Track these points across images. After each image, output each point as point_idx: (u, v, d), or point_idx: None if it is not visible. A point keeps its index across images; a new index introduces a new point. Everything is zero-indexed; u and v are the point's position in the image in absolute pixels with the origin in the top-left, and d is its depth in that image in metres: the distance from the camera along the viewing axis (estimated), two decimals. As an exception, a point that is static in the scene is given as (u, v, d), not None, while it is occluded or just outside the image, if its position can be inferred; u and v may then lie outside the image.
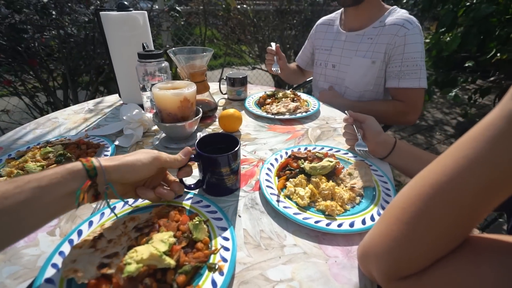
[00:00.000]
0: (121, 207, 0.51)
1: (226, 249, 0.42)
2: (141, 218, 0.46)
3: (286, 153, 0.68)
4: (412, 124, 1.04)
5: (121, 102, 1.04)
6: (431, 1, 1.74)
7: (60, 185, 0.35)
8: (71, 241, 0.43)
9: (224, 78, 1.09)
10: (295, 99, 0.99)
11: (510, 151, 0.24)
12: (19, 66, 1.78)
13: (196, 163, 0.58)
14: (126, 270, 0.34)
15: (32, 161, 0.63)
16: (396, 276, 0.32)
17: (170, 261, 0.36)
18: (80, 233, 0.45)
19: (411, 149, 0.68)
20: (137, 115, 0.77)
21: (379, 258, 0.33)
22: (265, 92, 1.05)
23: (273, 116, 0.89)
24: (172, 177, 0.52)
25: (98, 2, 1.95)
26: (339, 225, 0.48)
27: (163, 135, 0.78)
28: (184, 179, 0.53)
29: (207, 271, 0.38)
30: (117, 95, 1.09)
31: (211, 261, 0.40)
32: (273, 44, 1.14)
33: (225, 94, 1.10)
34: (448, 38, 1.75)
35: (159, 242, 0.38)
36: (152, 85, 0.73)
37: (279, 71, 1.14)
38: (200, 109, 0.75)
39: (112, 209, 0.44)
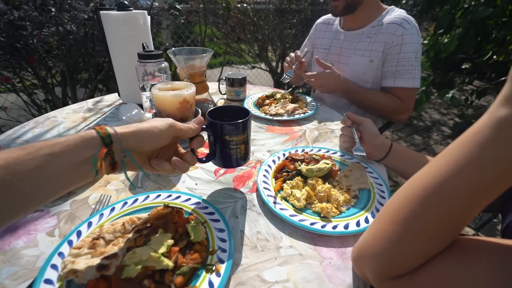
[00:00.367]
0: (120, 208, 0.51)
1: (223, 250, 0.42)
2: (140, 219, 0.46)
3: (284, 154, 0.69)
4: (403, 122, 1.08)
5: (121, 101, 1.05)
6: (429, 2, 1.75)
7: (74, 153, 0.34)
8: (70, 242, 0.44)
9: (223, 78, 1.09)
10: (294, 100, 0.99)
11: (496, 156, 0.26)
12: (17, 63, 1.78)
13: (206, 138, 0.56)
14: (125, 272, 0.34)
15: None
16: (389, 276, 0.33)
17: (168, 263, 0.37)
18: (79, 234, 0.46)
19: (407, 152, 0.69)
20: (137, 115, 0.78)
21: (373, 259, 0.34)
22: (264, 93, 1.06)
23: (271, 117, 0.89)
24: (182, 150, 0.50)
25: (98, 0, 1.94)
26: (334, 227, 0.49)
27: (162, 135, 0.78)
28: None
29: (204, 272, 0.39)
30: (116, 94, 1.09)
31: (208, 262, 0.40)
32: (300, 52, 1.07)
33: (224, 94, 1.10)
34: (446, 40, 1.76)
35: (158, 244, 0.39)
36: (152, 85, 0.73)
37: (288, 80, 1.07)
38: (199, 110, 0.76)
39: (129, 180, 0.42)
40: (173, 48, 0.81)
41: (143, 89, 0.84)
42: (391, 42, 0.95)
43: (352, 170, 0.64)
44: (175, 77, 1.96)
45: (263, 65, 3.12)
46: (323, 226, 0.49)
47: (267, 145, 0.76)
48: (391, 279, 0.33)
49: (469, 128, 0.29)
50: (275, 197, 0.55)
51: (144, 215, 0.48)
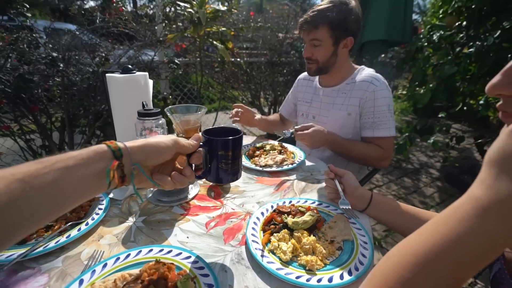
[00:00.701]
0: (113, 263, 0.53)
1: (211, 308, 0.44)
2: (131, 276, 0.48)
3: (272, 206, 0.73)
4: (385, 167, 1.16)
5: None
6: (403, 60, 1.97)
7: (87, 166, 0.36)
8: (61, 302, 0.45)
9: None
10: (282, 151, 1.06)
11: (474, 233, 0.28)
12: (20, 112, 1.86)
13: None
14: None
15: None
16: None
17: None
18: (71, 292, 0.47)
19: (387, 201, 0.74)
20: (133, 168, 0.82)
21: None
22: (254, 145, 1.13)
23: (261, 169, 0.95)
24: (179, 166, 0.52)
25: (103, 55, 2.12)
26: (319, 280, 0.51)
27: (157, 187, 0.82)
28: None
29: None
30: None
31: (196, 321, 0.42)
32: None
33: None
34: (422, 91, 1.94)
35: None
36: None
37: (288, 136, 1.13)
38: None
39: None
40: (169, 106, 0.90)
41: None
42: (365, 97, 1.07)
43: (337, 221, 0.68)
44: (170, 130, 2.05)
45: (256, 111, 3.30)
46: (308, 280, 0.51)
47: (256, 197, 0.81)
48: None
49: (455, 201, 0.32)
50: (262, 250, 0.58)
51: (136, 271, 0.50)
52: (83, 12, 2.06)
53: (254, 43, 3.03)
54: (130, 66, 0.98)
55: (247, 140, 1.28)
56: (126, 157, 0.40)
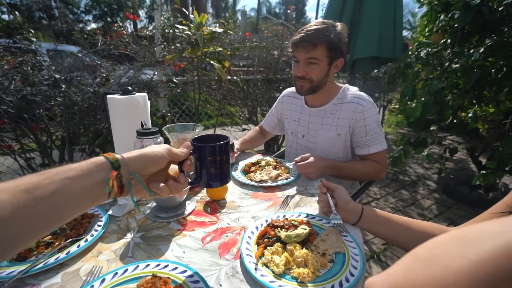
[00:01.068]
0: (111, 278, 0.55)
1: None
2: (128, 291, 0.50)
3: (266, 221, 0.75)
4: (382, 179, 1.19)
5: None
6: (393, 76, 2.04)
7: (87, 176, 0.38)
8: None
9: None
10: (277, 166, 1.10)
11: None
12: (21, 131, 1.89)
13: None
14: None
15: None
16: None
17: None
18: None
19: (379, 214, 0.76)
20: (132, 185, 0.85)
21: None
22: (250, 161, 1.16)
23: (256, 184, 0.98)
24: (171, 174, 0.55)
25: (104, 75, 2.19)
26: (310, 293, 0.52)
27: (154, 204, 0.84)
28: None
29: None
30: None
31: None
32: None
33: None
34: (413, 105, 2.00)
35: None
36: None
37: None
38: (189, 179, 0.84)
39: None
40: (167, 125, 0.94)
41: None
42: (355, 118, 1.10)
43: (329, 234, 0.70)
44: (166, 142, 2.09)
45: (252, 127, 3.35)
46: (300, 292, 0.52)
47: (251, 212, 0.83)
48: None
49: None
50: (256, 264, 0.60)
51: (133, 285, 0.51)
52: (85, 35, 2.15)
53: (250, 61, 3.13)
54: (130, 88, 1.03)
55: (243, 156, 1.31)
56: (123, 168, 0.42)
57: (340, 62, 1.11)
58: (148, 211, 0.81)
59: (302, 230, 0.68)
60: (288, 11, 3.08)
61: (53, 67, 1.97)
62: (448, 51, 1.82)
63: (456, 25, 1.59)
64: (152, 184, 0.49)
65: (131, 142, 0.92)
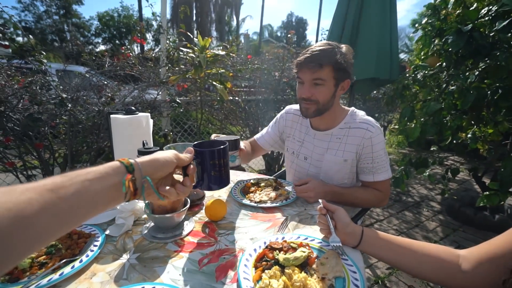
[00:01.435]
0: (103, 303, 0.53)
1: None
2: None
3: (265, 243, 0.74)
4: (382, 206, 1.16)
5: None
6: (392, 97, 2.08)
7: (104, 179, 0.41)
8: None
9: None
10: (277, 187, 1.09)
11: None
12: (25, 148, 1.92)
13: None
14: None
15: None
16: None
17: None
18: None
19: (380, 236, 0.74)
20: (130, 204, 0.85)
21: None
22: (249, 181, 1.16)
23: (255, 205, 0.97)
24: (176, 178, 0.58)
25: (109, 95, 2.25)
26: (309, 321, 0.51)
27: (152, 224, 0.83)
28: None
29: None
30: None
31: None
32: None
33: None
34: (413, 125, 2.02)
35: None
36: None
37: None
38: (188, 200, 0.84)
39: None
40: (168, 145, 0.95)
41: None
42: (363, 144, 1.06)
43: (328, 257, 0.68)
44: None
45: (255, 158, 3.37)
46: (298, 320, 0.51)
47: (250, 233, 0.82)
48: None
49: None
50: (253, 288, 0.58)
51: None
52: (93, 57, 2.24)
53: (252, 82, 3.21)
54: (133, 108, 1.06)
55: (243, 176, 1.31)
56: (137, 172, 0.46)
57: (346, 84, 1.08)
58: (146, 231, 0.81)
59: (301, 253, 0.66)
60: (289, 35, 3.20)
61: (61, 87, 2.03)
62: (444, 73, 1.86)
63: (450, 49, 1.64)
64: (161, 188, 0.52)
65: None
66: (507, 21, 1.37)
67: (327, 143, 1.14)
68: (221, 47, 2.43)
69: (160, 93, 2.48)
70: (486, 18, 1.54)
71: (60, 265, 0.63)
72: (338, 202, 1.10)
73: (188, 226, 0.84)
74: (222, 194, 1.10)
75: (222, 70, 2.15)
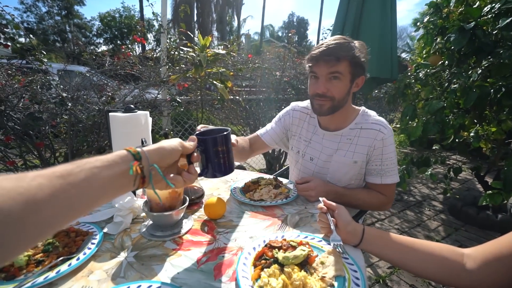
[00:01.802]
0: (99, 302, 0.52)
1: None
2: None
3: (264, 241, 0.73)
4: (385, 210, 1.13)
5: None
6: (394, 96, 2.07)
7: (112, 167, 0.41)
8: None
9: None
10: (277, 185, 1.08)
11: None
12: (25, 147, 1.92)
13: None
14: None
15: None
16: None
17: None
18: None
19: (382, 235, 0.73)
20: (129, 202, 0.84)
21: None
22: (249, 180, 1.14)
23: (255, 203, 0.96)
24: (181, 166, 0.59)
25: (110, 94, 2.25)
26: (308, 320, 0.50)
27: (151, 222, 0.83)
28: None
29: None
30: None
31: None
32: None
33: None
34: (414, 124, 2.01)
35: None
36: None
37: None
38: (187, 198, 0.83)
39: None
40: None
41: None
42: (374, 145, 1.03)
43: (329, 256, 0.67)
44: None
45: (254, 156, 3.36)
46: (297, 319, 0.50)
47: (249, 232, 0.81)
48: None
49: None
50: (252, 286, 0.57)
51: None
52: (94, 57, 2.24)
53: (252, 81, 3.21)
54: (132, 106, 1.05)
55: (243, 175, 1.30)
56: (144, 160, 0.47)
57: (361, 80, 1.03)
58: (144, 230, 0.80)
59: (301, 251, 0.65)
60: (290, 34, 3.19)
61: (61, 86, 2.03)
62: (447, 72, 1.85)
63: (452, 48, 1.63)
64: (167, 176, 0.53)
65: (131, 159, 0.92)
66: (510, 19, 1.36)
67: (337, 144, 1.09)
68: (221, 46, 2.42)
69: (160, 92, 2.48)
70: (489, 15, 1.52)
71: (57, 262, 0.63)
72: (340, 202, 1.08)
73: (186, 224, 0.83)
74: (221, 192, 1.09)
75: (222, 69, 2.14)
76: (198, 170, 0.61)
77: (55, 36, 18.45)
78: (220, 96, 2.28)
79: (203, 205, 0.89)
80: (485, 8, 1.56)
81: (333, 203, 0.79)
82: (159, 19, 2.57)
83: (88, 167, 0.39)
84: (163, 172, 0.52)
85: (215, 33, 23.68)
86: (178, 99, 2.30)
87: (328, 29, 3.52)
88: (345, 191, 1.07)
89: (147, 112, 1.06)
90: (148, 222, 0.84)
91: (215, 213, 0.86)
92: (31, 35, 2.16)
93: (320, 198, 0.82)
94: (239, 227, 0.83)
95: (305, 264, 0.65)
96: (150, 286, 0.57)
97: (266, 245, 0.70)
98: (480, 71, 1.57)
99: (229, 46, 2.47)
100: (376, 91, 3.72)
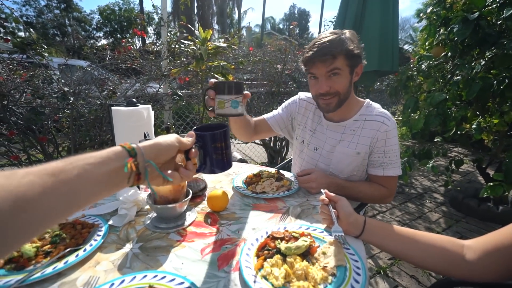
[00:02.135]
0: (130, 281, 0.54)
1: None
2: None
3: (266, 232, 0.74)
4: (386, 203, 1.13)
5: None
6: (396, 89, 2.06)
7: (105, 164, 0.40)
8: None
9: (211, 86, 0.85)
10: (279, 178, 1.09)
11: None
12: (29, 142, 1.93)
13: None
14: None
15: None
16: None
17: None
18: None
19: (383, 226, 0.74)
20: (133, 195, 0.85)
21: None
22: (251, 172, 1.15)
23: (257, 195, 0.97)
24: (178, 162, 0.57)
25: (111, 88, 2.25)
26: (310, 307, 0.51)
27: (155, 214, 0.84)
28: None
29: None
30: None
31: None
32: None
33: (210, 109, 0.89)
34: (416, 116, 2.00)
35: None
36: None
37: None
38: (190, 191, 0.84)
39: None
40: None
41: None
42: (377, 137, 1.04)
43: (330, 247, 0.68)
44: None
45: (257, 140, 3.36)
46: (299, 306, 0.51)
47: (252, 223, 0.82)
48: None
49: None
50: (255, 276, 0.58)
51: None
52: (95, 51, 2.23)
53: (254, 75, 3.18)
54: (134, 100, 1.05)
55: (245, 168, 1.31)
56: (139, 156, 0.45)
57: (360, 69, 1.04)
58: (148, 222, 0.81)
59: (303, 242, 0.66)
60: (291, 27, 3.15)
61: (63, 81, 2.03)
62: (449, 63, 1.83)
63: (455, 39, 1.61)
64: (164, 172, 0.51)
65: (134, 152, 0.93)
66: (515, 8, 1.33)
67: (340, 135, 1.11)
68: (222, 39, 2.40)
69: (161, 86, 2.47)
70: (494, 5, 1.50)
71: (65, 253, 0.64)
72: (341, 195, 1.09)
73: (190, 217, 0.84)
74: (224, 185, 1.10)
75: (223, 63, 2.13)
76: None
77: (55, 30, 18.33)
78: (221, 89, 2.27)
79: (206, 198, 0.90)
80: (490, -2, 1.54)
81: (335, 195, 0.80)
82: (159, 12, 2.54)
83: (81, 164, 0.38)
84: (160, 168, 0.51)
85: (216, 26, 23.43)
86: (179, 93, 2.30)
87: (330, 21, 3.47)
88: (346, 183, 1.07)
89: (149, 106, 1.06)
90: (152, 214, 0.85)
91: (218, 205, 0.88)
92: (31, 29, 2.15)
93: (322, 190, 0.83)
94: (242, 219, 0.84)
95: (307, 254, 0.66)
96: (156, 276, 0.58)
97: (268, 236, 0.71)
98: (484, 62, 1.56)
99: (230, 39, 2.45)
100: (378, 83, 3.69)
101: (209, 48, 2.00)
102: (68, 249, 0.65)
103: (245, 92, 0.88)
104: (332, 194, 0.80)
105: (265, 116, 1.30)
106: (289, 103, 1.29)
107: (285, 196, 0.99)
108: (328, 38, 0.98)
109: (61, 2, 18.31)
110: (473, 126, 1.58)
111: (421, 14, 2.08)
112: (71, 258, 0.63)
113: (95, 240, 0.70)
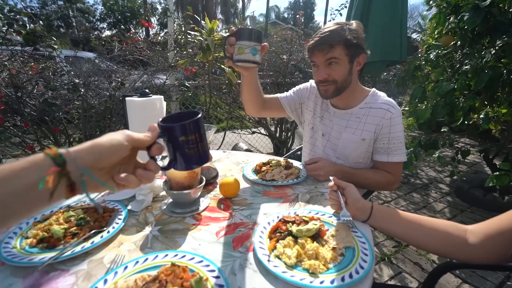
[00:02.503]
0: (133, 266, 0.58)
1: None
2: (150, 276, 0.53)
3: (278, 217, 0.77)
4: (392, 190, 1.16)
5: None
6: (403, 79, 2.05)
7: (19, 177, 0.32)
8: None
9: (232, 32, 0.88)
10: (288, 166, 1.12)
11: None
12: (42, 133, 1.99)
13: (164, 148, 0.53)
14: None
15: (56, 224, 0.72)
16: None
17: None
18: (97, 290, 0.52)
19: (389, 211, 0.77)
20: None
21: None
22: (261, 161, 1.19)
23: (267, 183, 1.01)
24: (142, 162, 0.50)
25: (119, 80, 2.28)
26: (321, 282, 0.55)
27: (170, 200, 0.88)
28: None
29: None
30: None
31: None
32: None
33: (230, 57, 0.92)
34: (423, 106, 1.99)
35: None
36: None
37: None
38: (204, 178, 0.88)
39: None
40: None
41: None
42: (382, 124, 1.07)
43: (339, 230, 0.72)
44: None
45: (262, 130, 3.38)
46: (311, 282, 0.55)
47: (263, 209, 0.86)
48: None
49: None
50: (269, 256, 0.62)
51: (154, 272, 0.55)
52: (103, 42, 2.25)
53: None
54: (147, 90, 1.08)
55: (253, 157, 1.34)
56: (71, 163, 0.36)
57: (362, 59, 1.07)
58: (165, 207, 0.85)
59: (313, 225, 0.70)
60: (297, 16, 3.12)
61: (72, 72, 2.06)
62: (459, 52, 1.81)
63: (466, 27, 1.59)
64: (118, 177, 0.44)
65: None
66: (528, -5, 1.31)
67: (346, 122, 1.14)
68: (227, 30, 2.40)
69: (168, 77, 2.50)
70: (506, -8, 1.47)
71: (90, 235, 0.69)
72: (348, 182, 1.12)
73: (204, 203, 0.88)
74: (234, 173, 1.14)
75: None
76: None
77: (59, 22, 18.29)
78: (228, 80, 2.29)
79: (219, 185, 0.94)
80: (502, -16, 1.51)
81: (343, 182, 0.83)
82: (162, 2, 2.54)
83: None
84: (110, 172, 0.44)
85: (220, 16, 23.10)
86: (186, 84, 2.32)
87: (336, 10, 3.41)
88: (353, 170, 1.11)
89: (161, 97, 1.09)
90: (168, 200, 0.89)
91: (230, 192, 0.91)
92: (40, 21, 2.17)
93: (331, 177, 0.86)
94: (253, 205, 0.88)
95: (317, 236, 0.70)
96: (176, 255, 0.62)
97: (280, 220, 0.75)
98: (494, 51, 1.54)
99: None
100: (385, 73, 3.66)
101: (216, 39, 2.00)
102: (93, 231, 0.70)
103: (264, 43, 0.94)
104: (340, 181, 0.83)
105: (279, 95, 1.35)
106: (301, 88, 1.33)
107: (294, 183, 1.02)
108: (329, 28, 1.03)
109: (64, -7, 18.20)
110: (481, 116, 1.58)
111: (431, 2, 2.05)
112: (97, 239, 0.67)
113: (117, 223, 0.74)
